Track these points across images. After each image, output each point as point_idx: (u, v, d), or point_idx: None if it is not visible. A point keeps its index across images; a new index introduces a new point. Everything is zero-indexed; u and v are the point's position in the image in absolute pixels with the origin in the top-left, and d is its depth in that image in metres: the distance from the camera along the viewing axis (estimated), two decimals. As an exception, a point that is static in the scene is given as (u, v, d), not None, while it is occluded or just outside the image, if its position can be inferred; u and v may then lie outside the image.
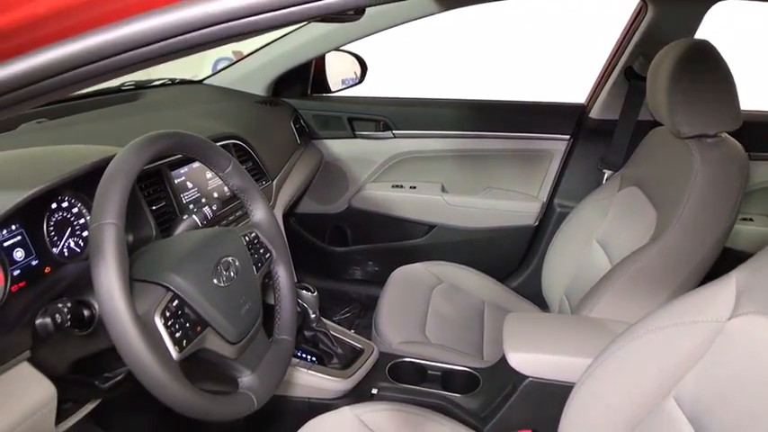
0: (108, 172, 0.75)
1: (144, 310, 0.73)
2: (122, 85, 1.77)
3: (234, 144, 1.47)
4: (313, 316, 1.34)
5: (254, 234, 1.00)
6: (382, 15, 1.76)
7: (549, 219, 2.01)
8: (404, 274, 1.80)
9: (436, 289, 1.76)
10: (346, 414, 1.15)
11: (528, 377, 1.19)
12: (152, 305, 0.75)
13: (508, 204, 2.04)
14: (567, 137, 1.95)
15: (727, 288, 0.78)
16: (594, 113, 1.93)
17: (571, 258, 1.65)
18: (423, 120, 2.04)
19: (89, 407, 0.99)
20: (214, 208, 1.15)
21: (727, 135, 1.35)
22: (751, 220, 1.88)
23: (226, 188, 1.37)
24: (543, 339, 1.22)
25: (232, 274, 0.88)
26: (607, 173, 1.86)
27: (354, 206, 2.15)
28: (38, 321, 0.77)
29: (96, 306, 0.79)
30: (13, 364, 0.80)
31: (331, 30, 1.83)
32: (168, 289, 0.78)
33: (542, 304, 1.80)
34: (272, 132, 1.78)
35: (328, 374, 1.32)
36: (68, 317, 0.77)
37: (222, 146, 1.37)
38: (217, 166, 0.98)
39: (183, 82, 1.99)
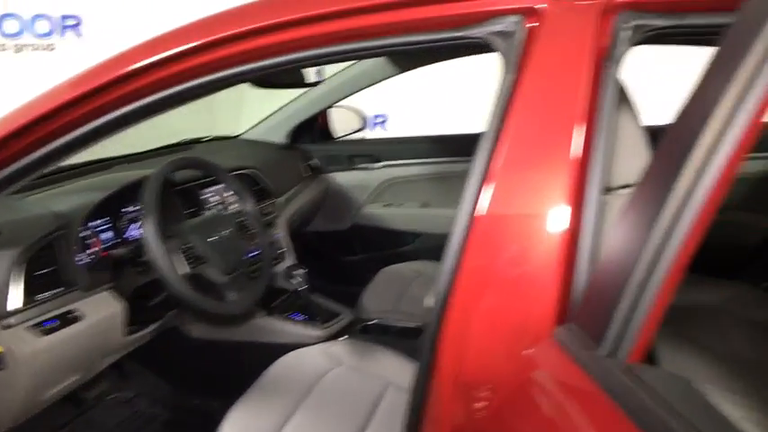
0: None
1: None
2: (181, 140, 2.43)
3: (250, 173, 2.10)
4: (304, 288, 1.89)
5: (243, 218, 1.60)
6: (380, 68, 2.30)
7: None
8: (389, 271, 2.29)
9: (416, 281, 2.24)
10: (315, 348, 1.65)
11: None
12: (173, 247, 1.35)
13: (477, 214, 2.50)
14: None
15: None
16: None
17: None
18: (404, 152, 2.61)
19: (149, 328, 1.58)
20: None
21: None
22: None
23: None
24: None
25: (224, 236, 1.47)
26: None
27: (357, 222, 2.70)
28: (112, 252, 1.38)
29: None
30: (101, 290, 1.41)
31: (333, 86, 2.43)
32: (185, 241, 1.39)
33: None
34: (282, 167, 2.40)
35: (310, 326, 1.85)
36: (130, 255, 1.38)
37: (240, 173, 2.01)
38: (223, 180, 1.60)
39: (224, 138, 2.65)
